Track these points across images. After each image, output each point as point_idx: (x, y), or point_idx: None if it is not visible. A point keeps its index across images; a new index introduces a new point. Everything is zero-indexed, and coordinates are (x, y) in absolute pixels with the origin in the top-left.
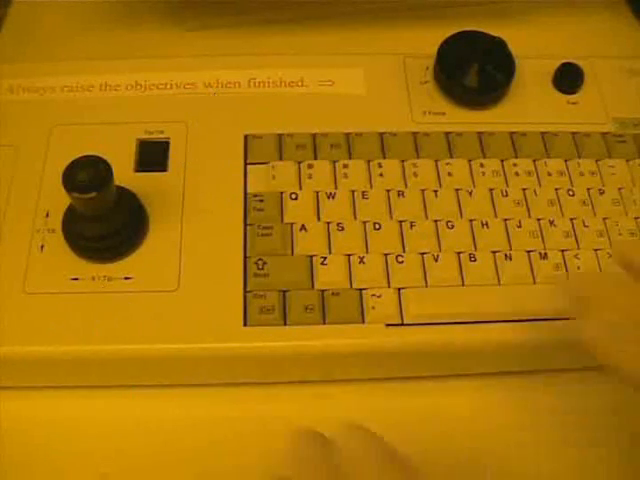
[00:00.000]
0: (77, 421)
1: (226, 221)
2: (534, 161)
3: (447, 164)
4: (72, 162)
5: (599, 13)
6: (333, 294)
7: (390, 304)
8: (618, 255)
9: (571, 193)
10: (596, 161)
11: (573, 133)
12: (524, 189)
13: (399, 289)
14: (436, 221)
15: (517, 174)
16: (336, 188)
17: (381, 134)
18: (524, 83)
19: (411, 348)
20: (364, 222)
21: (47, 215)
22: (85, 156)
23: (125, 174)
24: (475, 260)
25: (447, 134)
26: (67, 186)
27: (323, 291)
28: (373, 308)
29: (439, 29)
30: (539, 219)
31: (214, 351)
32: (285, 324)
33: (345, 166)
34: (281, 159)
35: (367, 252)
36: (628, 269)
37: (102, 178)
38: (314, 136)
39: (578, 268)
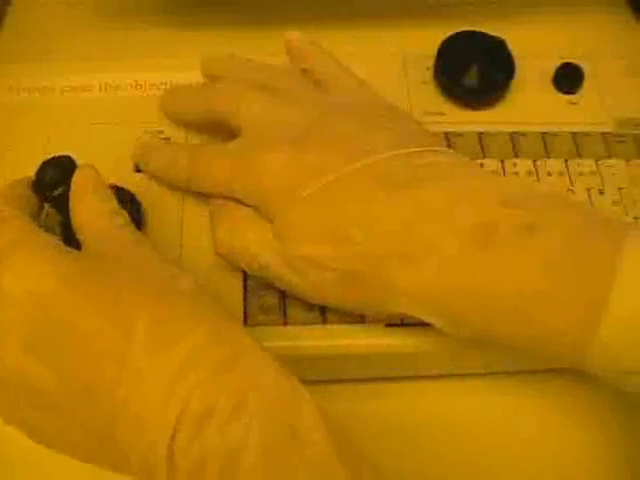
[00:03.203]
0: None
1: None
2: (534, 161)
3: None
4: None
5: (599, 13)
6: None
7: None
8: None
9: (571, 193)
10: (596, 161)
11: (573, 133)
12: None
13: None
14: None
15: (517, 174)
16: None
17: None
18: (524, 83)
19: (411, 348)
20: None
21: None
22: (51, 157)
23: (125, 174)
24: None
25: (447, 134)
26: (38, 191)
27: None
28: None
29: (439, 29)
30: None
31: None
32: (285, 324)
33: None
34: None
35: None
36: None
37: (67, 170)
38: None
39: None
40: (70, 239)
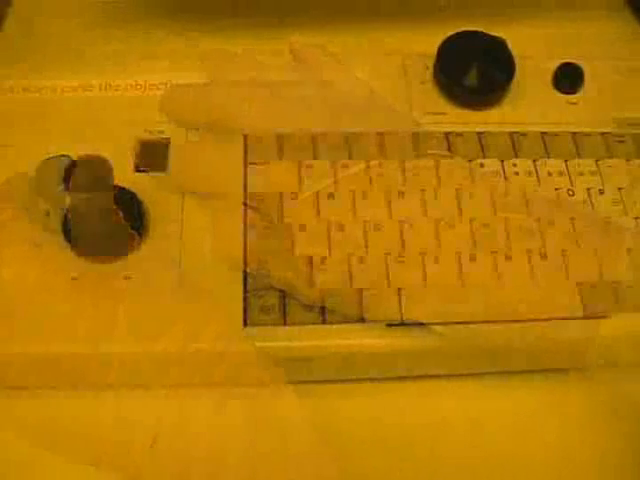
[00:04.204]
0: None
1: (226, 221)
2: (534, 161)
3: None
4: (72, 162)
5: (599, 13)
6: (333, 294)
7: (390, 304)
8: None
9: (571, 193)
10: (596, 161)
11: (573, 133)
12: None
13: (399, 289)
14: (436, 221)
15: (517, 174)
16: (336, 188)
17: (381, 134)
18: (524, 83)
19: (411, 348)
20: (364, 222)
21: (47, 214)
22: (86, 155)
23: (125, 174)
24: (475, 260)
25: (447, 134)
26: (66, 186)
27: (323, 291)
28: (373, 308)
29: (439, 29)
30: (539, 219)
31: (214, 351)
32: (285, 324)
33: (345, 166)
34: (281, 159)
35: (367, 252)
36: None
37: (102, 178)
38: (313, 136)
39: None
40: (69, 237)
